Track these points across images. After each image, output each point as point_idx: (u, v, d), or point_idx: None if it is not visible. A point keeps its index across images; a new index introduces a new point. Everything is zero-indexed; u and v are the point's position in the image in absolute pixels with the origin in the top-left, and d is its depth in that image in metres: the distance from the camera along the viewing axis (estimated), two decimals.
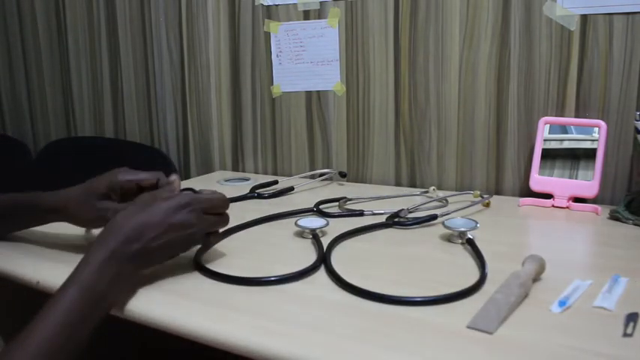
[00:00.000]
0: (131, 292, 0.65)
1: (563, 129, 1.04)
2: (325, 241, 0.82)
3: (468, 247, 0.80)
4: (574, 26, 1.04)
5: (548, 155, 1.04)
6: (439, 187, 1.19)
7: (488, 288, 0.65)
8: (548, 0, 1.05)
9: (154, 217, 0.65)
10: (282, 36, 1.30)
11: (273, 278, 0.69)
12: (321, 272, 0.72)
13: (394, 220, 0.92)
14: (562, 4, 1.04)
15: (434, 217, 0.92)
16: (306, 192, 1.18)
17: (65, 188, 0.80)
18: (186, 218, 0.67)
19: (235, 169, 1.44)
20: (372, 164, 1.27)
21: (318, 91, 1.30)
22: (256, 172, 1.41)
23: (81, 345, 0.57)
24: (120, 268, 0.62)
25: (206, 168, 1.48)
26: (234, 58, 1.39)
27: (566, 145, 1.03)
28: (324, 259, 0.75)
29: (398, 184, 1.25)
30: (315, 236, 0.84)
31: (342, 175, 1.23)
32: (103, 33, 1.59)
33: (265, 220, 0.95)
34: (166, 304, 0.64)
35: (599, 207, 0.97)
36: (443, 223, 0.84)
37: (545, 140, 1.05)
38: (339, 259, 0.76)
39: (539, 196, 1.04)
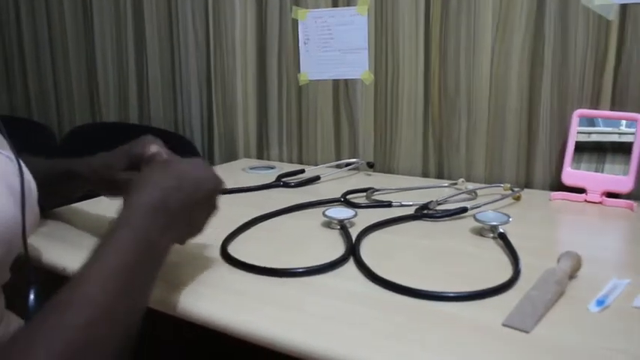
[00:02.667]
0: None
1: (598, 122, 1.01)
2: (353, 233, 0.81)
3: (500, 241, 0.78)
4: (612, 16, 1.00)
5: (582, 148, 1.02)
6: (468, 179, 1.17)
7: (522, 284, 0.64)
8: None
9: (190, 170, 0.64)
10: (310, 23, 1.29)
11: (300, 270, 0.68)
12: (350, 264, 0.71)
13: (423, 212, 0.91)
14: None
15: (464, 209, 0.91)
16: (333, 182, 1.16)
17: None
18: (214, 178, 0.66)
19: (260, 157, 1.44)
20: (400, 154, 1.25)
21: (345, 80, 1.28)
22: (281, 161, 1.40)
23: (143, 295, 0.54)
24: (168, 219, 0.58)
25: (230, 155, 1.48)
26: (261, 44, 1.38)
27: (600, 138, 1.01)
28: (353, 251, 0.74)
29: (425, 174, 1.23)
30: (343, 227, 0.83)
31: (370, 165, 1.21)
32: (129, 15, 1.59)
33: (292, 209, 0.95)
34: (192, 293, 0.63)
35: (634, 203, 0.94)
36: (474, 216, 0.83)
37: (578, 133, 1.02)
38: (367, 251, 0.75)
39: (572, 190, 1.01)
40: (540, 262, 0.67)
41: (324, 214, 0.86)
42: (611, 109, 1.02)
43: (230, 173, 1.27)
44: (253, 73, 1.40)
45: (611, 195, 0.98)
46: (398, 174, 1.25)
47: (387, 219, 0.87)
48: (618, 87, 1.02)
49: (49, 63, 1.81)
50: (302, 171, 1.19)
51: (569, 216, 0.95)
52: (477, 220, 0.82)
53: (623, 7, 0.99)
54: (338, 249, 0.75)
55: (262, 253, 0.75)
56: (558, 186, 1.06)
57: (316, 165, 1.32)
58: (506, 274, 0.66)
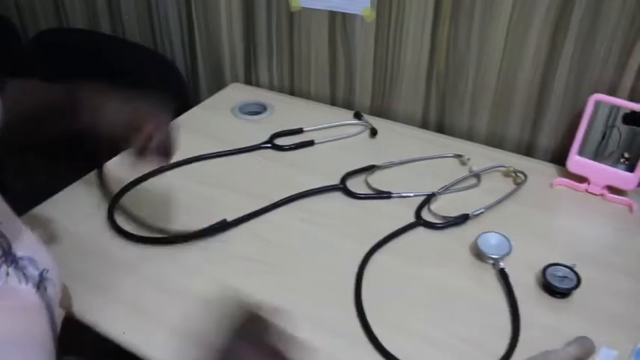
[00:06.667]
0: None
1: (615, 110, 0.94)
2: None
3: (499, 276, 0.79)
4: None
5: (593, 136, 0.97)
6: (468, 136, 1.13)
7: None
8: None
9: None
10: None
11: None
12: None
13: (423, 220, 0.90)
14: None
15: (465, 217, 0.90)
16: (329, 144, 1.09)
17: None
18: None
19: (248, 81, 1.33)
20: (399, 100, 1.17)
21: (343, 14, 1.14)
22: (272, 89, 1.31)
23: None
24: None
25: (217, 78, 1.36)
26: None
27: (613, 129, 0.95)
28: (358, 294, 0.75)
29: (425, 124, 1.17)
30: None
31: (374, 132, 1.12)
32: None
33: (288, 200, 0.93)
34: None
35: (634, 204, 0.93)
36: (476, 242, 0.82)
37: (591, 119, 0.96)
38: (368, 286, 0.77)
39: (574, 177, 0.99)
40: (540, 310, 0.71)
41: None
42: (630, 99, 0.95)
43: (219, 118, 1.18)
44: None
45: (613, 189, 0.97)
46: (397, 120, 1.19)
47: (387, 235, 0.86)
48: None
49: None
50: (299, 131, 1.11)
51: (569, 218, 0.93)
52: (478, 247, 0.82)
53: None
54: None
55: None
56: (559, 159, 1.03)
57: (309, 97, 1.25)
58: (504, 324, 0.71)
